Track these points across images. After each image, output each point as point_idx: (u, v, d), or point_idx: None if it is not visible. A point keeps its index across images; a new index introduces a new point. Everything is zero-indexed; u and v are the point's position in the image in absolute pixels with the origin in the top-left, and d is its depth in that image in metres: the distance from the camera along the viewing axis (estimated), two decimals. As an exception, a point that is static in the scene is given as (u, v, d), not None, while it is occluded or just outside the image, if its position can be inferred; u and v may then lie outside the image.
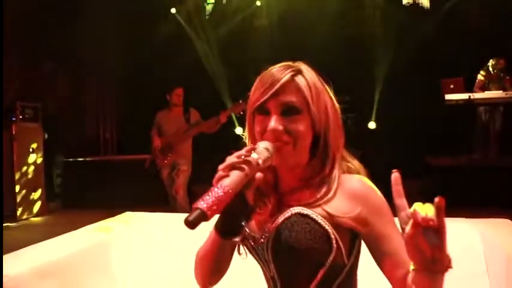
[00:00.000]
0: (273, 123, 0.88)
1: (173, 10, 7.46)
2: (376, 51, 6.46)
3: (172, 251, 1.68)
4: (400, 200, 0.73)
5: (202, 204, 0.71)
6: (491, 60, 5.81)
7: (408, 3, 7.06)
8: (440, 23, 6.41)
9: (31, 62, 5.95)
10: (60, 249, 1.48)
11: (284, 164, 0.92)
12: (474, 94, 5.77)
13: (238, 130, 6.08)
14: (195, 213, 0.70)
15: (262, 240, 0.93)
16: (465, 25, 6.10)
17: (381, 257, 0.89)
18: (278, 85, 0.88)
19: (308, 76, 0.91)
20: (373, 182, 0.94)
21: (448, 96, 5.90)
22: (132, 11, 6.81)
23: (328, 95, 0.95)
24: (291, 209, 0.90)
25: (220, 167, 0.78)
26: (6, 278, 1.11)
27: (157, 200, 4.63)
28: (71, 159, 6.35)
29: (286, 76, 0.89)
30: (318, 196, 0.90)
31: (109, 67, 6.48)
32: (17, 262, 1.24)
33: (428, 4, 6.98)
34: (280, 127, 0.88)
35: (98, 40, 6.46)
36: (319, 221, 0.87)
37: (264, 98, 0.89)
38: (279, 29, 6.76)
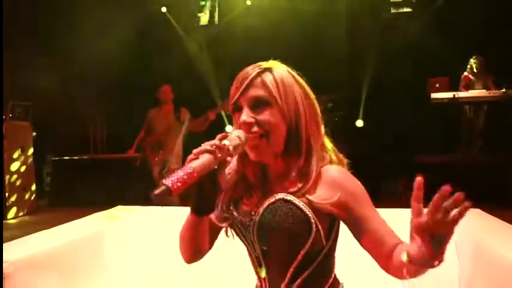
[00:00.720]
0: (244, 116, 0.97)
1: (164, 9, 7.49)
2: (364, 51, 6.56)
3: (162, 241, 1.75)
4: (418, 205, 0.74)
5: (168, 181, 0.79)
6: (472, 59, 5.96)
7: (396, 12, 7.18)
8: (426, 23, 6.54)
9: (21, 61, 5.93)
10: (56, 238, 1.54)
11: (261, 157, 0.99)
12: (459, 93, 5.91)
13: (229, 128, 6.13)
14: (161, 189, 0.78)
15: (248, 223, 1.01)
16: (450, 25, 6.22)
17: (363, 237, 0.96)
18: (246, 82, 0.97)
19: (275, 72, 0.99)
20: (360, 178, 1.00)
21: (434, 95, 6.04)
22: (123, 9, 6.81)
23: (302, 90, 1.01)
24: (276, 195, 0.98)
25: (194, 151, 0.86)
26: (6, 264, 1.18)
27: (148, 198, 4.66)
28: (60, 158, 6.35)
29: (254, 73, 0.98)
30: (300, 186, 0.97)
31: (99, 66, 6.49)
32: (15, 250, 1.30)
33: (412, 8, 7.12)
34: (250, 119, 0.96)
35: (88, 39, 6.46)
36: (301, 206, 0.95)
37: (236, 96, 0.98)
38: (268, 28, 6.82)
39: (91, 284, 1.53)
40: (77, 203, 5.33)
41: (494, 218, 1.66)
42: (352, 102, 6.58)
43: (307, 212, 0.95)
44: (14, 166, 5.51)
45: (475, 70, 6.00)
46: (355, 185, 0.99)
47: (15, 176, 5.50)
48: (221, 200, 1.04)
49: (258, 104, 0.97)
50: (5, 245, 1.29)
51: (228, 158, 0.89)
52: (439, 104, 5.99)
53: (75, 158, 6.35)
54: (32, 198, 5.75)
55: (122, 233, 1.80)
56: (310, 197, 0.96)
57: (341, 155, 1.06)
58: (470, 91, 5.94)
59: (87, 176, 6.04)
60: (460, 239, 1.59)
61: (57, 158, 6.35)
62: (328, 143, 1.06)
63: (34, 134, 5.94)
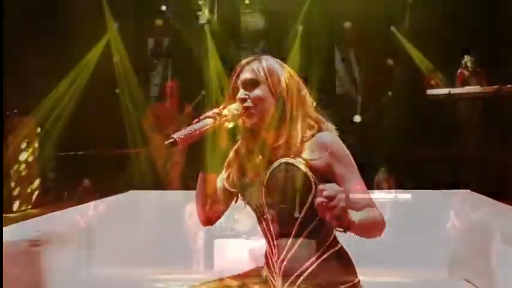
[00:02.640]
0: (239, 94, 1.24)
1: (163, 7, 7.56)
2: (360, 47, 6.70)
3: (170, 221, 1.89)
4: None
5: (176, 135, 1.08)
6: (466, 56, 6.10)
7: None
8: (421, 19, 6.66)
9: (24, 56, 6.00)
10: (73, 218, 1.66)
11: (256, 124, 1.23)
12: (454, 89, 6.06)
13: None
14: (170, 141, 1.08)
15: (258, 188, 1.20)
16: (445, 21, 6.34)
17: None
18: (239, 70, 1.26)
19: (262, 60, 1.26)
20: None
21: (429, 91, 6.18)
22: (123, 4, 6.89)
23: (286, 72, 1.25)
24: (279, 160, 1.19)
25: (201, 116, 1.17)
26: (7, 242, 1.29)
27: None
28: (64, 153, 6.42)
29: (244, 62, 1.27)
30: (289, 149, 1.18)
31: (103, 59, 6.56)
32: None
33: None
34: (244, 96, 1.23)
35: (91, 34, 6.53)
36: (301, 166, 1.15)
37: (233, 80, 1.27)
38: (266, 26, 6.93)
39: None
40: (83, 198, 5.42)
41: (485, 197, 1.78)
42: (350, 99, 6.71)
43: (306, 171, 1.14)
44: (18, 161, 5.59)
45: (469, 67, 6.13)
46: (339, 146, 1.18)
47: (19, 171, 5.59)
48: (234, 170, 1.26)
49: (248, 84, 1.23)
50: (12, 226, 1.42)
51: (226, 124, 1.18)
52: (435, 100, 6.13)
53: (81, 153, 6.43)
54: (37, 192, 5.83)
55: (133, 214, 1.92)
56: (306, 158, 1.15)
57: (332, 126, 1.27)
58: (465, 87, 6.08)
59: (92, 170, 6.11)
60: (451, 217, 1.72)
61: (62, 153, 6.43)
62: (317, 115, 1.26)
63: (39, 129, 6.02)
